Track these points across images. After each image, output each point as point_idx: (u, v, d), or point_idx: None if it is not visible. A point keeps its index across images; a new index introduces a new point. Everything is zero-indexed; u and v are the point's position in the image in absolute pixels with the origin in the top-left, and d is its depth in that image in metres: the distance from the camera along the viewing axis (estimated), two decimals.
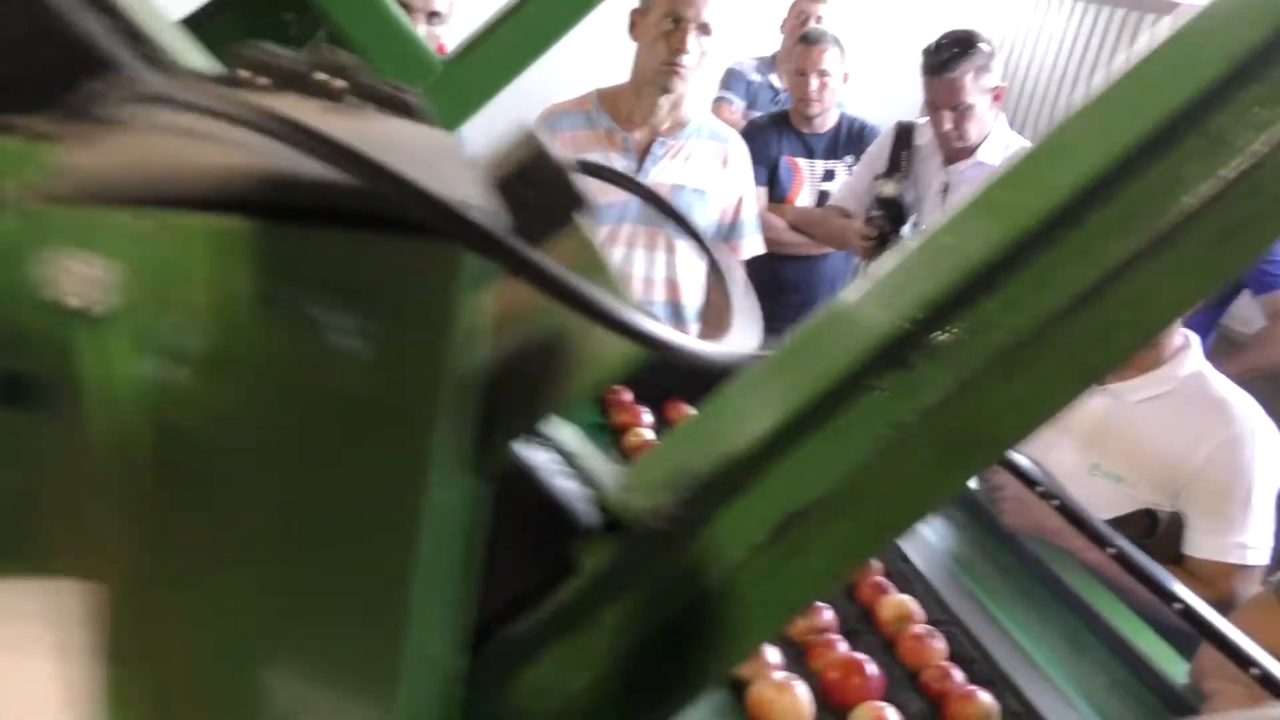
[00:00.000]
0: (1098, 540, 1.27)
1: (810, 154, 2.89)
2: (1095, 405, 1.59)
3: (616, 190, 2.01)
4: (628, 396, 1.64)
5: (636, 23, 2.00)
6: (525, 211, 0.36)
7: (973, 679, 1.15)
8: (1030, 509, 1.48)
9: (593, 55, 2.36)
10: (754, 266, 2.82)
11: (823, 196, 2.90)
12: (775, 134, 2.87)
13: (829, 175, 2.89)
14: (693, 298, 2.16)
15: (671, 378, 1.70)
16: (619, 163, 2.05)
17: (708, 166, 2.10)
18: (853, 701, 1.07)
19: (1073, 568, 1.47)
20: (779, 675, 1.05)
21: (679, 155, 2.08)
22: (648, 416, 1.60)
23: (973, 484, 1.65)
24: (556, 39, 1.29)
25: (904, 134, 2.58)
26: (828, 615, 1.21)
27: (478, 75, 1.31)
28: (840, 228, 2.84)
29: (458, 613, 0.37)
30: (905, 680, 1.16)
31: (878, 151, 2.65)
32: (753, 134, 2.88)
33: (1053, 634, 1.34)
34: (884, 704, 1.05)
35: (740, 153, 2.16)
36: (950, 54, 2.29)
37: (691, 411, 1.65)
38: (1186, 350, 1.55)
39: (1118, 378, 1.57)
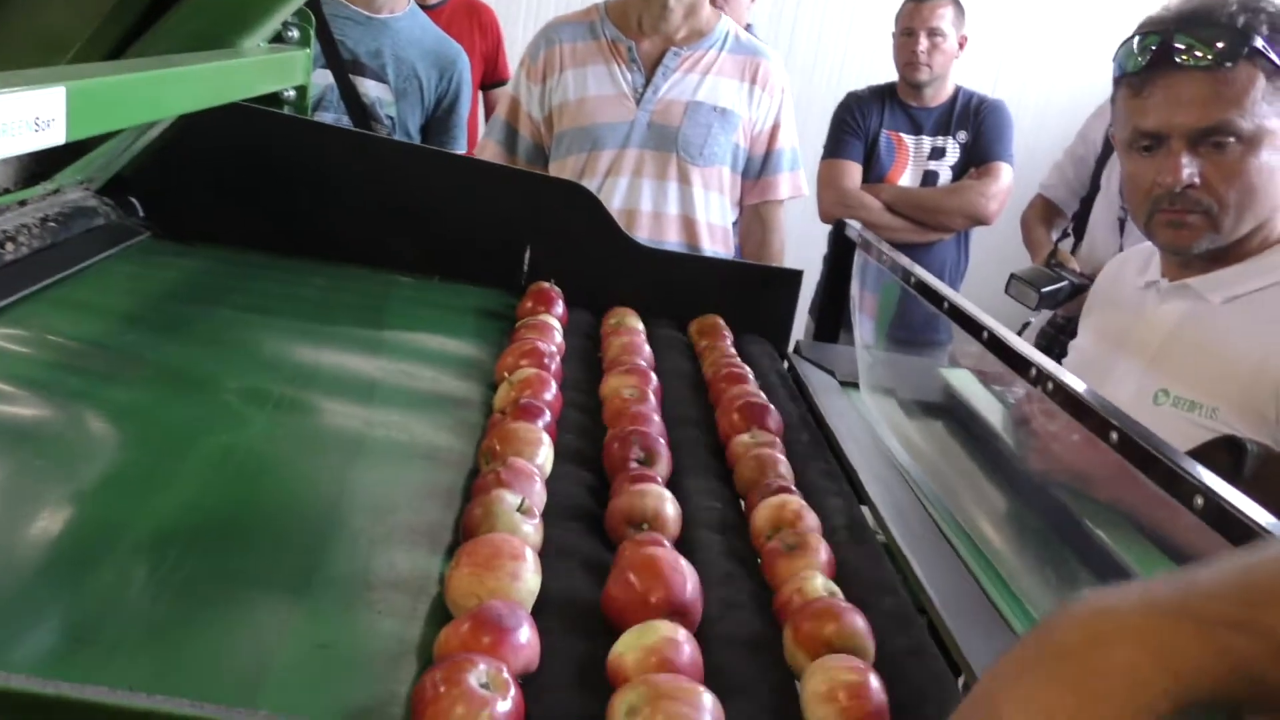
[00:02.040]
0: (1169, 485, 0.77)
1: (917, 129, 2.49)
2: (1167, 313, 1.12)
3: (618, 108, 1.73)
4: (557, 294, 1.31)
5: None
6: None
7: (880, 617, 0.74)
8: (1063, 446, 1.03)
9: None
10: (844, 253, 2.44)
11: (928, 177, 2.48)
12: (876, 105, 2.50)
13: (937, 153, 2.48)
14: (715, 244, 1.81)
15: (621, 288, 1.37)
16: (625, 77, 1.76)
17: (733, 83, 1.78)
18: (635, 614, 0.68)
19: (1124, 533, 0.99)
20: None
21: (697, 68, 1.77)
22: (561, 308, 1.27)
23: (992, 419, 1.20)
24: None
25: None
26: (669, 510, 0.82)
27: None
28: (955, 207, 2.41)
29: None
30: (752, 600, 0.76)
31: (1095, 126, 2.18)
32: (850, 105, 2.53)
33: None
34: (678, 628, 0.66)
35: (777, 72, 1.82)
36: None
37: (628, 317, 1.31)
38: None
39: (1201, 269, 1.09)
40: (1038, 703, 0.36)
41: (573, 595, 0.72)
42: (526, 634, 0.61)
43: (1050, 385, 0.87)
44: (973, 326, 1.04)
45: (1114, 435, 0.78)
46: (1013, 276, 1.92)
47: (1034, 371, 0.90)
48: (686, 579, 0.71)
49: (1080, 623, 0.38)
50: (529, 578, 0.67)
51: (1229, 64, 1.00)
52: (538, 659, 0.62)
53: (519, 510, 0.73)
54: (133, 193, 1.35)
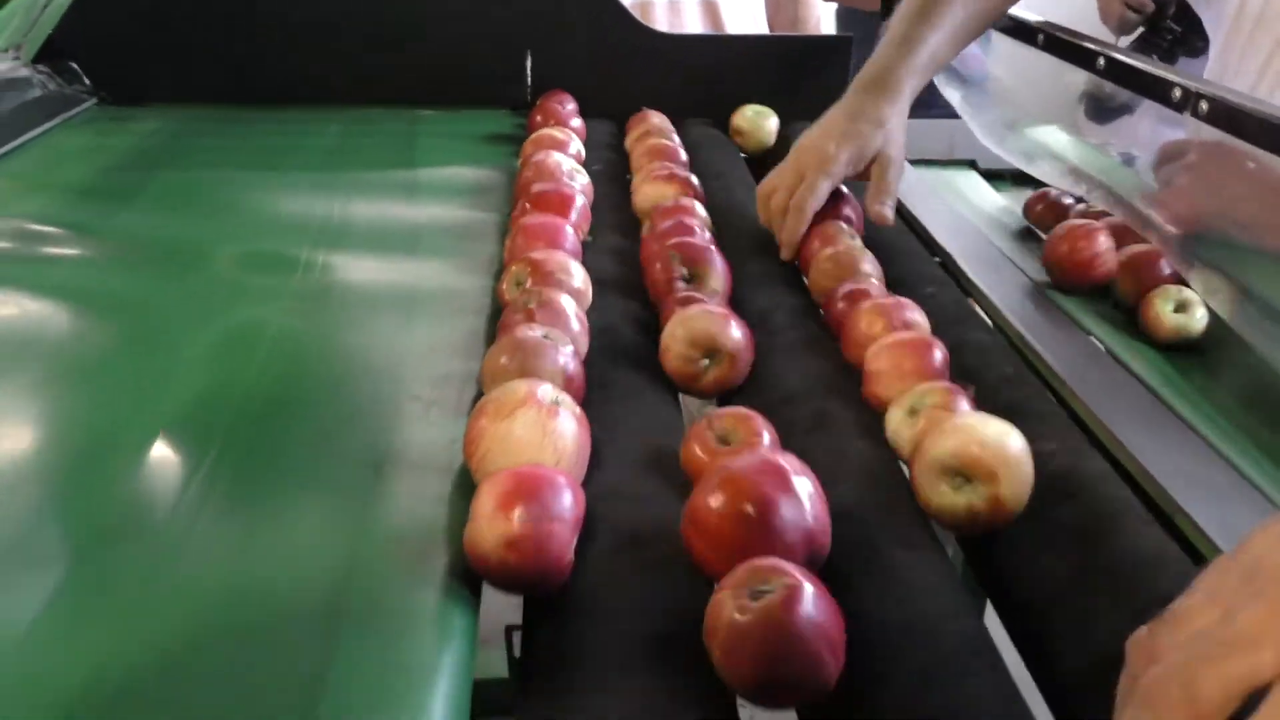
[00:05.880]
0: None
1: None
2: None
3: None
4: (570, 105, 1.13)
5: None
6: None
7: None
8: (1209, 184, 0.84)
9: None
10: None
11: None
12: None
13: None
14: (743, 28, 1.58)
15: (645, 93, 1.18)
16: None
17: None
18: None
19: None
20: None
21: None
22: (578, 121, 1.09)
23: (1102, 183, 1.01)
24: None
25: None
26: (734, 337, 0.66)
27: None
28: None
29: None
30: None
31: None
32: None
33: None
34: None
35: None
36: None
37: (656, 119, 1.12)
38: None
39: None
40: None
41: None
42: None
43: (1205, 106, 0.68)
44: (1079, 55, 0.84)
45: None
46: None
47: (1179, 93, 0.71)
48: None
49: None
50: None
51: None
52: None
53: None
54: (71, 57, 1.17)
